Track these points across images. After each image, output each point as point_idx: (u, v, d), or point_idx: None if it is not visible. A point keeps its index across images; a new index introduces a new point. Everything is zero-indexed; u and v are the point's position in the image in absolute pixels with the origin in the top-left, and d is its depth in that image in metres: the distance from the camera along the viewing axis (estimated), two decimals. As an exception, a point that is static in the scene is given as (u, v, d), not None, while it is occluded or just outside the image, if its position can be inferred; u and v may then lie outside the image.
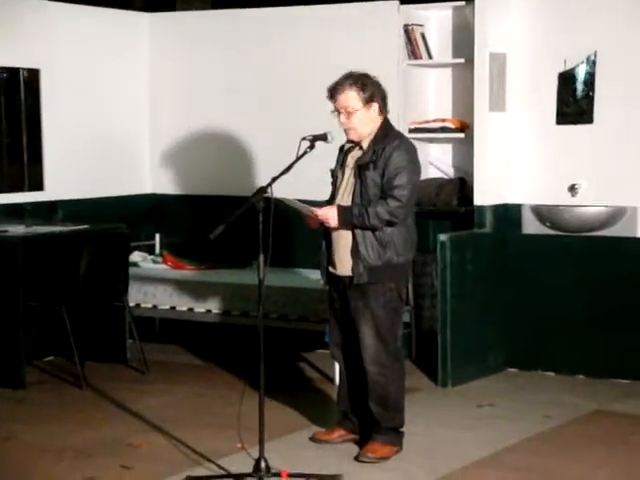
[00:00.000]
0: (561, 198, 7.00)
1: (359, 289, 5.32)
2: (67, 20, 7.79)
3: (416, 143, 5.60)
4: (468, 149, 7.13)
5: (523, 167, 7.12)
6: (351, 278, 5.31)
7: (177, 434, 5.70)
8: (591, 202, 6.93)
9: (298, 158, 5.10)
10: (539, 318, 7.11)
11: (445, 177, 7.49)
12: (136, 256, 7.99)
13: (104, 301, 7.17)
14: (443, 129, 7.32)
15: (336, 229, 5.33)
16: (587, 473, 5.21)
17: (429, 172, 7.44)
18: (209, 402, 6.45)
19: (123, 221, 7.40)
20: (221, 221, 4.90)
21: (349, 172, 5.38)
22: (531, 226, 7.12)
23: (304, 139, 5.18)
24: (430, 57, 7.41)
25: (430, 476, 5.14)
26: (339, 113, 5.32)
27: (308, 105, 7.51)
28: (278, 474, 4.89)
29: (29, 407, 6.37)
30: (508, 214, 7.14)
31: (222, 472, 5.10)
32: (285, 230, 7.12)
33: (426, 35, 7.42)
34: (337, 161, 5.49)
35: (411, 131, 7.23)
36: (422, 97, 7.53)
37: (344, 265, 5.35)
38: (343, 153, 5.46)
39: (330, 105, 5.34)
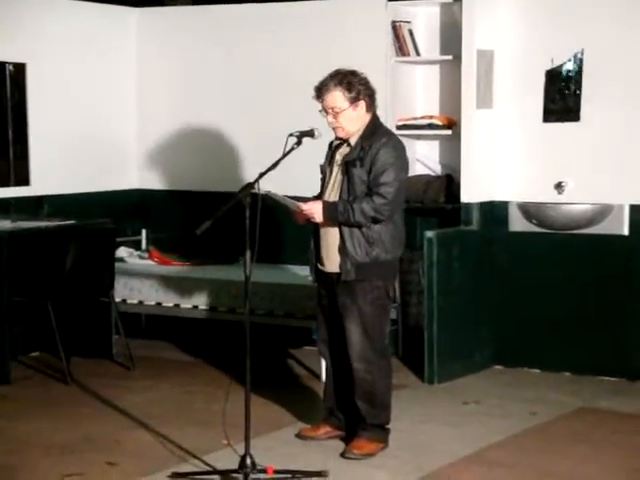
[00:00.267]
0: (548, 196, 7.01)
1: (347, 286, 5.31)
2: (54, 14, 7.76)
3: (403, 140, 5.59)
4: (455, 146, 7.13)
5: (510, 164, 7.13)
6: (339, 275, 5.31)
7: (163, 430, 5.70)
8: (578, 200, 6.94)
9: (285, 154, 5.09)
10: (525, 315, 7.12)
11: (432, 174, 7.49)
12: (122, 252, 7.97)
13: (90, 297, 7.15)
14: (430, 126, 7.32)
15: (323, 225, 5.33)
16: (573, 469, 5.23)
17: (416, 169, 7.44)
18: (195, 398, 6.45)
19: (109, 216, 7.39)
20: (208, 217, 4.89)
21: (337, 169, 5.39)
22: (518, 223, 7.13)
23: (291, 135, 5.18)
24: (418, 54, 7.41)
25: (416, 473, 5.14)
26: (327, 112, 5.31)
27: (295, 102, 7.50)
28: (264, 470, 4.88)
29: (14, 403, 6.35)
30: (495, 211, 7.15)
31: (208, 468, 5.10)
32: (274, 226, 7.14)
33: (414, 32, 7.41)
34: (326, 157, 5.49)
35: (398, 128, 7.23)
36: (409, 94, 7.53)
37: (332, 262, 5.35)
38: (332, 150, 5.46)
39: (317, 103, 5.33)
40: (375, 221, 5.24)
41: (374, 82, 5.41)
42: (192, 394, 6.55)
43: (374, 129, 5.35)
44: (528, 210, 7.09)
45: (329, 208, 5.28)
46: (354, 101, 5.28)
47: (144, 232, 8.35)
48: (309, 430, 5.64)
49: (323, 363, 6.28)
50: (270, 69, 7.86)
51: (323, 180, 5.48)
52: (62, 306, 6.93)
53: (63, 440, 5.59)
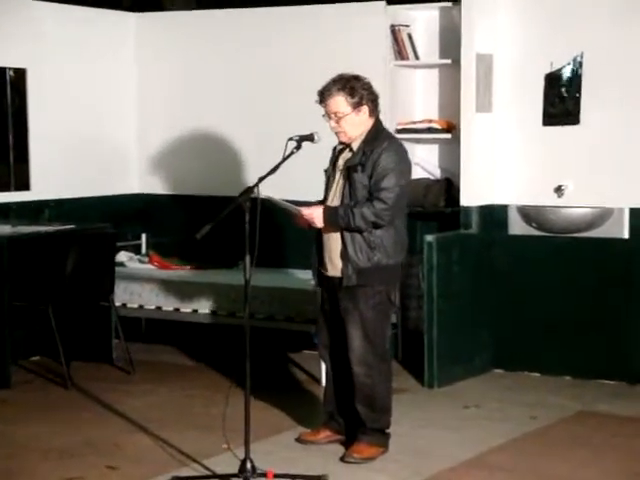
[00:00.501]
0: (547, 199, 7.01)
1: (349, 291, 5.31)
2: (53, 19, 7.77)
3: (403, 143, 5.59)
4: (455, 150, 7.14)
5: (509, 168, 7.13)
6: (341, 279, 5.31)
7: (163, 434, 5.70)
8: (577, 203, 6.94)
9: (285, 158, 5.09)
10: (525, 319, 7.12)
11: (431, 178, 7.49)
12: (122, 256, 7.97)
13: (90, 301, 7.15)
14: (430, 130, 7.33)
15: (326, 230, 5.33)
16: (573, 473, 5.22)
17: (416, 173, 7.41)
18: (195, 402, 6.45)
19: (109, 221, 7.39)
20: (207, 221, 4.89)
21: (339, 174, 5.39)
22: (517, 227, 7.14)
23: (291, 139, 5.18)
24: (417, 58, 7.42)
25: (416, 477, 5.14)
26: (329, 117, 5.32)
27: (295, 106, 7.52)
28: (264, 475, 4.89)
29: (14, 407, 6.35)
30: (494, 215, 7.15)
31: (208, 473, 5.10)
32: (277, 231, 7.15)
33: (413, 36, 7.42)
34: (330, 162, 5.49)
35: (398, 132, 7.23)
36: (409, 98, 7.53)
37: (335, 266, 5.35)
38: (335, 154, 5.47)
39: (318, 107, 5.34)
40: (376, 226, 5.24)
41: (373, 86, 5.41)
42: (192, 398, 6.55)
43: (376, 134, 5.34)
44: (528, 213, 7.09)
45: (330, 213, 5.28)
46: (357, 106, 5.28)
47: (144, 236, 8.35)
48: (309, 434, 5.64)
49: (323, 367, 6.28)
50: (270, 73, 7.86)
51: (327, 185, 5.48)
52: (62, 310, 6.94)
53: (63, 444, 5.59)
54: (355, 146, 5.35)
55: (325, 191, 5.48)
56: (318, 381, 6.73)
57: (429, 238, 6.76)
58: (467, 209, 7.04)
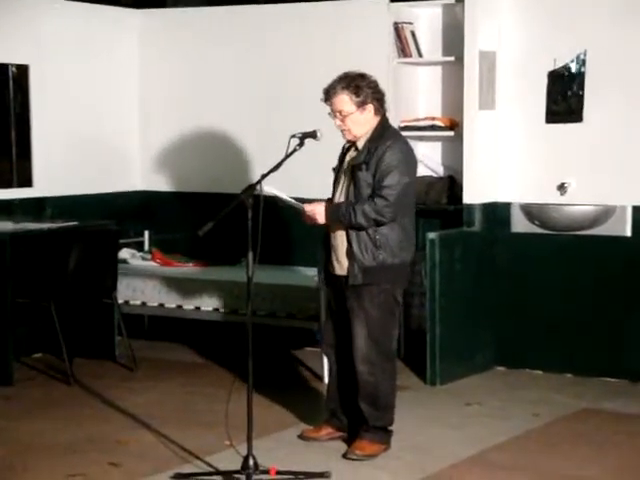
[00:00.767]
0: (550, 197, 7.01)
1: (354, 290, 5.31)
2: (56, 16, 7.77)
3: (408, 141, 5.58)
4: (457, 147, 7.14)
5: (512, 166, 7.13)
6: (347, 278, 5.31)
7: (165, 431, 5.70)
8: (580, 201, 6.94)
9: (287, 155, 5.10)
10: (528, 316, 7.12)
11: (434, 175, 7.49)
12: (125, 253, 7.97)
13: (93, 298, 7.16)
14: (433, 127, 7.33)
15: (333, 228, 5.33)
16: (575, 471, 5.22)
17: (418, 170, 7.39)
18: (197, 399, 6.45)
19: (112, 218, 7.39)
20: (210, 218, 4.89)
21: (345, 172, 5.39)
22: (520, 225, 7.13)
23: (293, 136, 5.18)
24: (420, 55, 7.41)
25: (418, 474, 5.14)
26: (335, 115, 5.32)
27: (298, 103, 7.52)
28: (266, 471, 4.89)
29: (17, 404, 6.36)
30: (497, 212, 7.15)
31: (210, 469, 5.10)
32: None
33: (416, 33, 7.42)
34: (338, 160, 5.49)
35: (401, 129, 7.17)
36: (412, 95, 7.53)
37: (341, 265, 5.35)
38: (343, 152, 5.47)
39: (321, 105, 5.34)
40: (378, 223, 5.23)
41: (379, 84, 5.40)
42: (195, 395, 6.55)
43: (382, 132, 5.33)
44: (530, 211, 7.09)
45: (331, 210, 5.29)
46: (361, 105, 5.27)
47: (147, 233, 8.34)
48: (311, 431, 5.64)
49: (325, 364, 6.28)
50: (273, 70, 7.86)
51: (335, 183, 5.48)
52: (65, 307, 6.94)
53: (66, 441, 5.60)
54: (360, 145, 5.35)
55: (333, 189, 5.49)
56: (320, 378, 6.73)
57: (432, 235, 6.76)
58: (470, 207, 7.04)
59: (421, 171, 7.47)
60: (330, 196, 5.50)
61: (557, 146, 6.99)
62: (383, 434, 5.43)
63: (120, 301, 7.36)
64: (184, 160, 8.26)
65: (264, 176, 5.00)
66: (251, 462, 4.85)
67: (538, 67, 6.98)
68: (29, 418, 6.04)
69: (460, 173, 7.11)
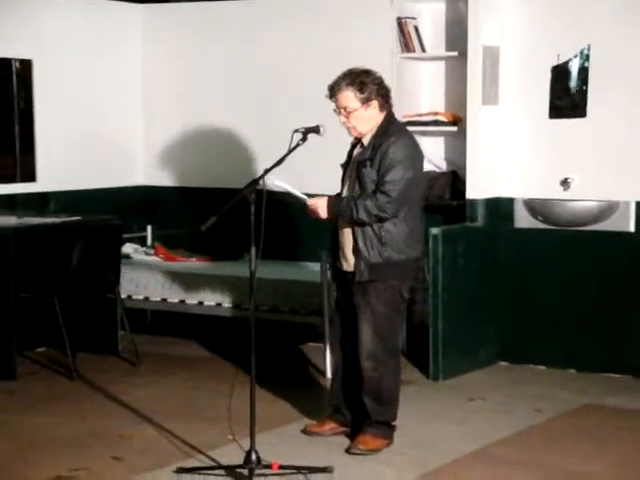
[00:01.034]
0: (553, 192, 7.00)
1: (361, 286, 5.31)
2: (59, 11, 7.77)
3: (414, 137, 5.56)
4: (461, 142, 7.13)
5: (516, 161, 7.12)
6: (354, 274, 5.31)
7: (168, 426, 5.70)
8: (583, 196, 6.93)
9: (290, 150, 5.09)
10: (531, 312, 7.12)
11: (437, 170, 7.49)
12: (128, 248, 7.98)
13: (96, 292, 7.17)
14: (436, 122, 7.32)
15: (340, 225, 5.34)
16: (577, 466, 5.22)
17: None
18: (200, 394, 6.45)
19: (115, 213, 7.40)
20: (213, 213, 4.89)
21: (352, 168, 5.39)
22: (523, 220, 7.13)
23: (297, 131, 5.17)
24: (423, 50, 7.41)
25: (421, 469, 5.14)
26: (339, 112, 5.31)
27: (300, 98, 7.52)
28: (269, 466, 4.88)
29: (20, 398, 6.36)
30: (500, 208, 7.15)
31: (213, 464, 5.10)
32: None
33: (419, 28, 7.41)
34: (347, 156, 5.49)
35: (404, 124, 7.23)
36: (415, 90, 7.52)
37: (348, 261, 5.36)
38: (351, 148, 5.47)
39: (325, 100, 5.33)
40: (380, 219, 5.23)
41: (384, 80, 5.39)
42: (197, 390, 6.56)
43: (387, 128, 5.32)
44: (534, 207, 7.09)
45: (334, 204, 5.29)
46: (366, 101, 5.27)
47: (150, 228, 8.36)
48: (314, 426, 5.64)
49: (328, 359, 6.29)
50: (276, 66, 7.86)
51: (342, 179, 5.48)
52: (68, 302, 6.95)
53: (68, 435, 5.61)
54: (366, 141, 5.34)
55: (341, 185, 5.49)
56: (323, 373, 6.74)
57: (435, 231, 6.76)
58: (473, 202, 7.03)
59: (424, 166, 7.45)
60: (337, 192, 5.50)
61: (560, 141, 6.98)
62: (386, 429, 5.43)
63: (123, 296, 7.36)
64: (187, 155, 8.26)
65: (267, 171, 5.00)
66: (254, 457, 4.85)
67: (542, 62, 6.97)
68: (32, 412, 6.05)
69: (463, 168, 7.11)
